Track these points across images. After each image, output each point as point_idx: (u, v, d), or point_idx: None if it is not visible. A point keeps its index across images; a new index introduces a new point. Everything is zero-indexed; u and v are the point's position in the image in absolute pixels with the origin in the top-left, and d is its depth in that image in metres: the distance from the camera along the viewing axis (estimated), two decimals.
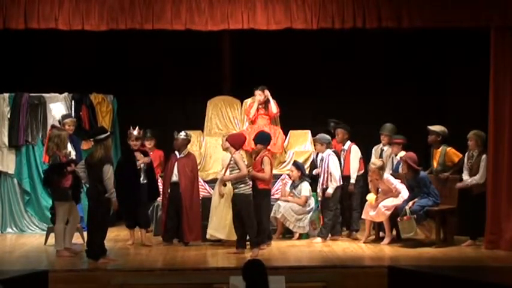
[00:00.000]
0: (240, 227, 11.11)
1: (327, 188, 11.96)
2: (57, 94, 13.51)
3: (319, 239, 11.95)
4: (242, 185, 11.04)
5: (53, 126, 12.05)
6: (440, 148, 12.07)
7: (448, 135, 12.09)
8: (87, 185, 10.83)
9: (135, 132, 11.95)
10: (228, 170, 11.19)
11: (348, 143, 12.45)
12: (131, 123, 12.07)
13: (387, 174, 12.01)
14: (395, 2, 11.18)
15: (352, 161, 12.33)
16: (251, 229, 11.01)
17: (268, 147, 11.85)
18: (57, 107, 12.83)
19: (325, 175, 11.99)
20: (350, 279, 9.89)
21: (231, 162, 11.11)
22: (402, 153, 11.97)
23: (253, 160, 11.74)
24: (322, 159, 12.07)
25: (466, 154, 11.79)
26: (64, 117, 12.51)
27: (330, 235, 12.03)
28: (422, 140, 12.39)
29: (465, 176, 11.73)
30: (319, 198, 12.16)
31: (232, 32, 12.71)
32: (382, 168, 11.85)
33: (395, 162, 12.50)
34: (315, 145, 12.45)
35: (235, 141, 11.26)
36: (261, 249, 11.03)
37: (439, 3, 11.16)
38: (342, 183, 12.02)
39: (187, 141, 12.09)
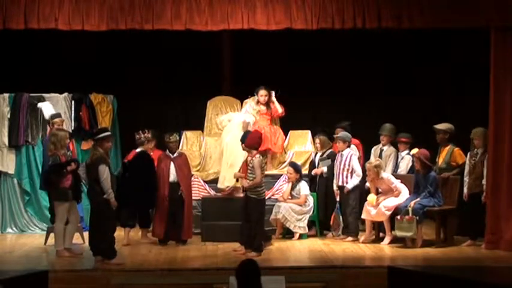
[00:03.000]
0: (247, 228, 11.03)
1: (343, 186, 12.05)
2: (57, 94, 13.52)
3: (350, 238, 12.03)
4: (254, 189, 10.97)
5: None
6: (448, 146, 12.08)
7: (455, 133, 12.10)
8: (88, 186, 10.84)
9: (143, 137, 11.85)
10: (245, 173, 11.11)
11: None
12: (131, 123, 12.03)
13: (387, 174, 12.02)
14: (395, 2, 11.18)
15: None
16: (258, 235, 10.96)
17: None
18: (46, 106, 12.74)
19: (344, 173, 12.06)
20: (350, 279, 9.91)
21: (250, 165, 11.00)
22: (415, 150, 11.91)
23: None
24: (340, 157, 12.12)
25: (469, 153, 11.76)
26: (53, 116, 12.44)
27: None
28: (422, 140, 12.37)
29: (465, 176, 11.72)
30: (338, 198, 12.18)
31: (232, 32, 12.70)
32: (378, 166, 11.84)
33: (399, 160, 12.49)
34: (337, 143, 12.39)
35: (252, 142, 11.09)
36: (259, 256, 10.90)
37: (439, 3, 11.16)
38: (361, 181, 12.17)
39: (179, 141, 12.21)
